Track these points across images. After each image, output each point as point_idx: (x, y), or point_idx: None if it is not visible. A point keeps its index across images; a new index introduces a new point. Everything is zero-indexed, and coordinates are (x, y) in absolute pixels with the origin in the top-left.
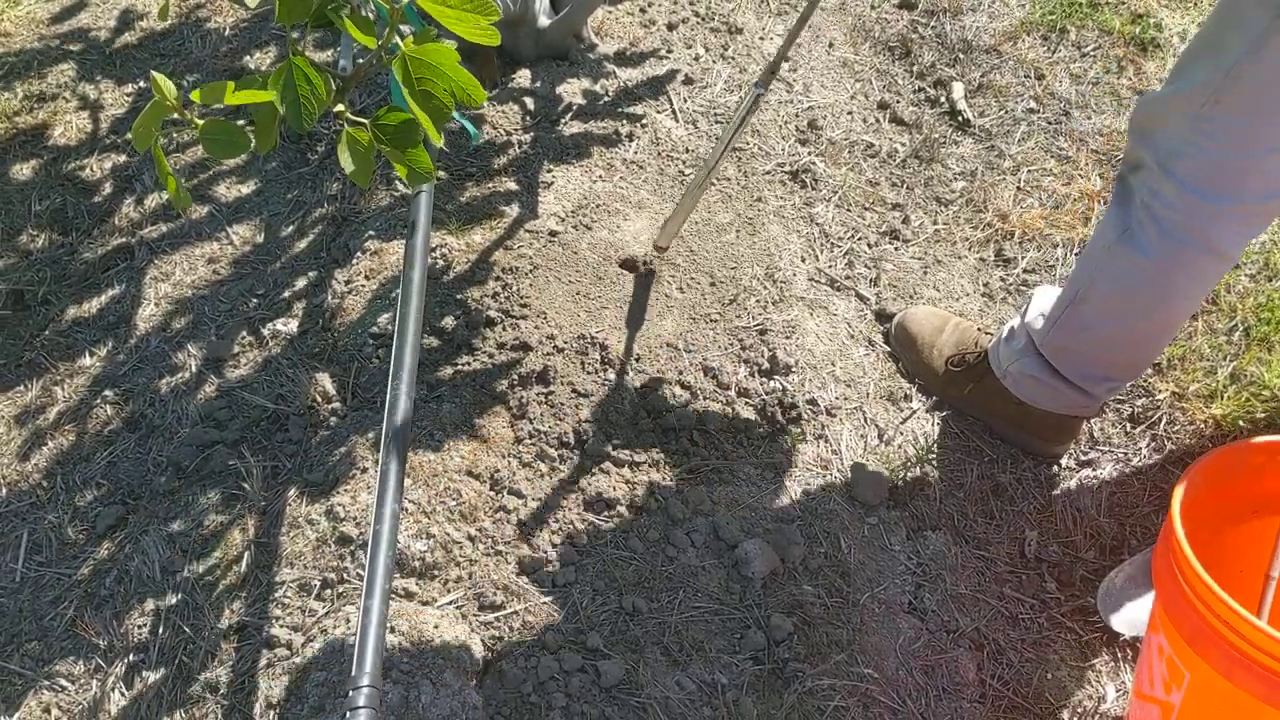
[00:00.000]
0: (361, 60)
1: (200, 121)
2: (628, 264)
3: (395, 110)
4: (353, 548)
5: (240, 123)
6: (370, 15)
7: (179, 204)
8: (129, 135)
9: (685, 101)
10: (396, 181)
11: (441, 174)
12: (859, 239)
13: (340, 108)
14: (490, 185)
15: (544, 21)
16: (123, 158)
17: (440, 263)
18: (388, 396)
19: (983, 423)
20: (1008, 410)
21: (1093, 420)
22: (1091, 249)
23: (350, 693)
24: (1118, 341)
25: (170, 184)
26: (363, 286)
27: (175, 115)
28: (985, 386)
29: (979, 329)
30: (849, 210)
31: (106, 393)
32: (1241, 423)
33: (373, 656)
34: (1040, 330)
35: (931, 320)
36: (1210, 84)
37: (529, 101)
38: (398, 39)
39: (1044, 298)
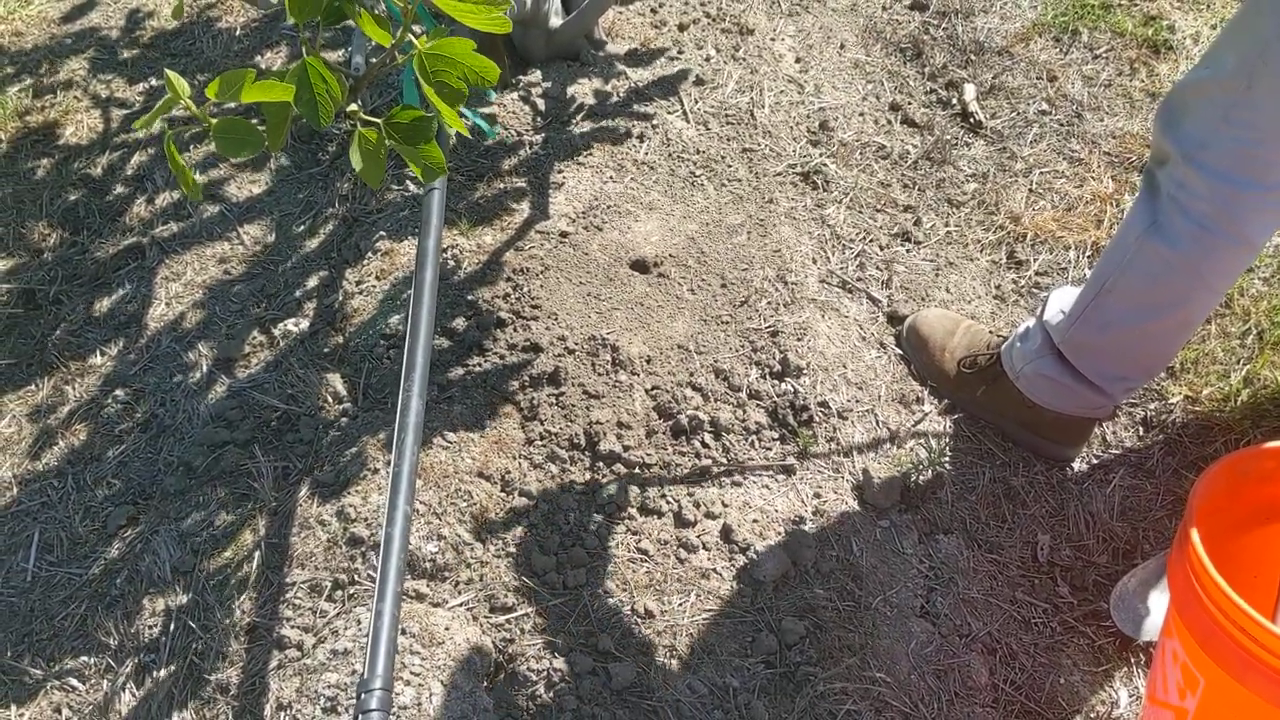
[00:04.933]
0: (374, 60)
1: (214, 120)
2: (639, 265)
3: (408, 108)
4: (364, 549)
5: (253, 121)
6: (382, 13)
7: (194, 196)
8: (140, 132)
9: (696, 102)
10: (409, 181)
11: (458, 177)
12: (870, 241)
13: (353, 107)
14: (501, 185)
15: (555, 21)
16: (134, 156)
17: (451, 263)
18: (400, 398)
19: (994, 425)
20: (1020, 413)
21: (1105, 424)
22: (1118, 243)
23: (362, 695)
24: (1139, 338)
25: (185, 178)
26: (373, 287)
27: (187, 112)
28: (997, 388)
29: (991, 331)
30: (860, 212)
31: (117, 392)
32: (1255, 426)
33: (385, 660)
34: (1060, 327)
35: (943, 323)
36: (1243, 69)
37: (540, 102)
38: (411, 36)
39: (1062, 297)
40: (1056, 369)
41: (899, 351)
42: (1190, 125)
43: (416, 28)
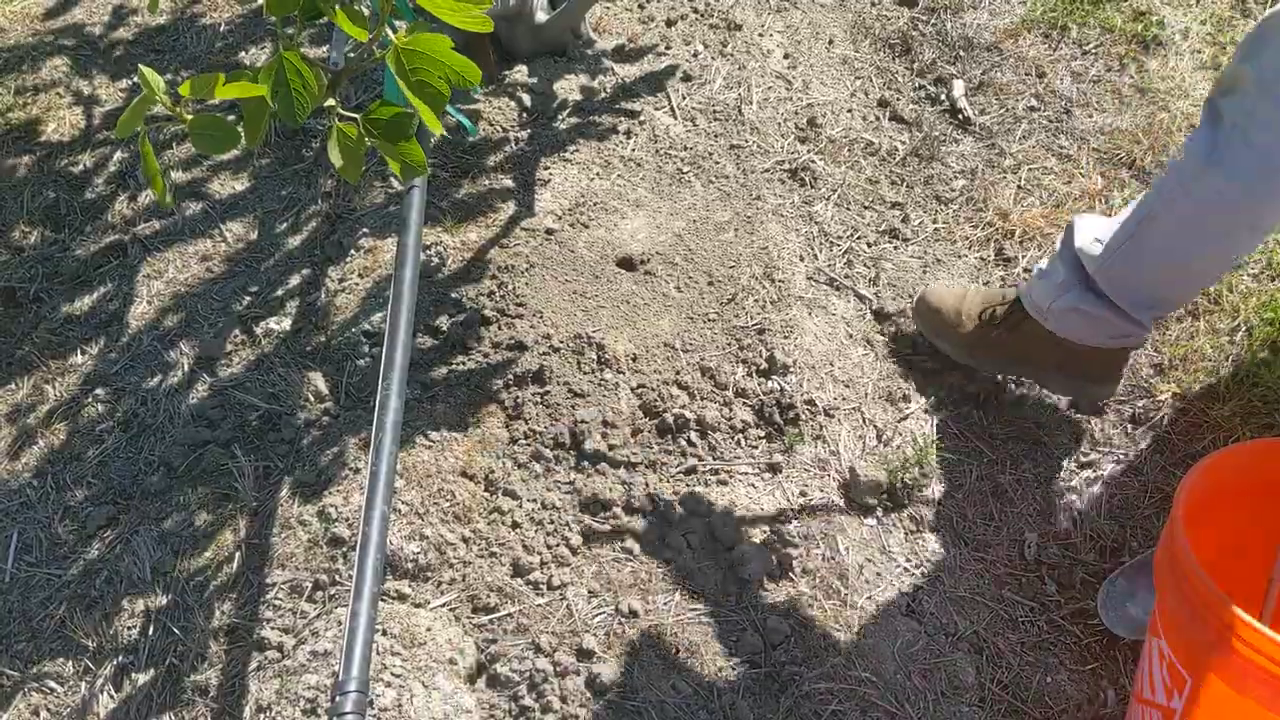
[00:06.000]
0: (353, 55)
1: (190, 116)
2: (625, 263)
3: (387, 104)
4: (345, 549)
5: (231, 118)
6: (365, 10)
7: (161, 203)
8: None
9: (684, 99)
10: (391, 178)
11: (442, 173)
12: (858, 238)
13: (331, 102)
14: (486, 182)
15: (541, 17)
16: (116, 154)
17: (435, 260)
18: (378, 396)
19: (1027, 376)
20: (1050, 355)
21: (1094, 421)
22: (1173, 171)
23: (338, 698)
24: (1178, 270)
25: (156, 182)
26: (356, 284)
27: (165, 110)
28: (1023, 333)
29: (1000, 286)
30: (848, 209)
31: (98, 391)
32: (1243, 424)
33: (360, 661)
34: (1097, 256)
35: (952, 289)
36: None
37: (526, 98)
38: (389, 32)
39: (1090, 226)
40: (1087, 300)
41: (886, 349)
42: (1270, 55)
43: (399, 23)
